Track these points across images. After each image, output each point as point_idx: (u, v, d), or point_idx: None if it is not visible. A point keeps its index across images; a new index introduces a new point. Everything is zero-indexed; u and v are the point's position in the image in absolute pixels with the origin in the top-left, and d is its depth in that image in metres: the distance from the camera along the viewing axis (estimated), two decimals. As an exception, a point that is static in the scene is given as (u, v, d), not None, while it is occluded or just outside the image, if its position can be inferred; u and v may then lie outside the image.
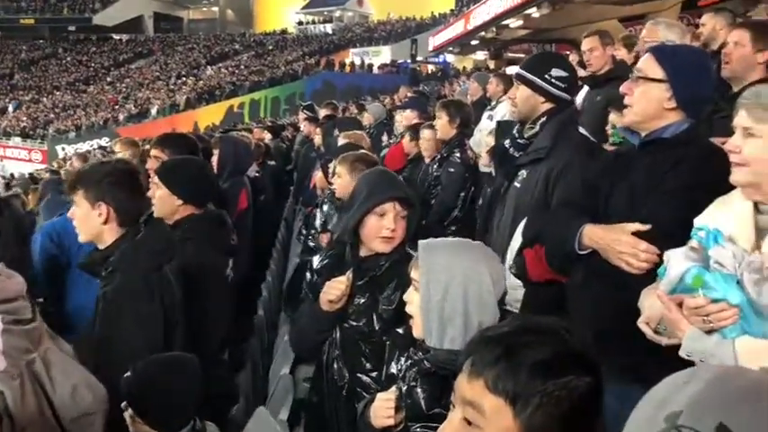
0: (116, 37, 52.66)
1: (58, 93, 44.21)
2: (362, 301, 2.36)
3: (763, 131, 1.79)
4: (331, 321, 2.38)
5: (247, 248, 4.94)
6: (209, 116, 33.17)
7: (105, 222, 2.52)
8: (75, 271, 3.37)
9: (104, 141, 30.20)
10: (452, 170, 4.89)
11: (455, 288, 1.68)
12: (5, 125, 39.20)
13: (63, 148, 32.27)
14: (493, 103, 6.20)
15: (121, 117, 36.71)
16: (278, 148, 10.27)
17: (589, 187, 2.37)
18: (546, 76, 2.90)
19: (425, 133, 5.37)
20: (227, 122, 29.00)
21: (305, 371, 3.31)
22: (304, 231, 4.93)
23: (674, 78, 2.14)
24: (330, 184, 4.19)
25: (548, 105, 2.92)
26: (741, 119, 1.84)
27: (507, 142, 3.04)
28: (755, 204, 1.86)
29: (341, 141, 4.88)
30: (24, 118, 40.12)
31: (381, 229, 2.33)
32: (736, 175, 1.84)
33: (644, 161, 2.22)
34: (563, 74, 2.90)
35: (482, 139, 4.69)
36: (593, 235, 2.18)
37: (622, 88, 2.25)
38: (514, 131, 3.04)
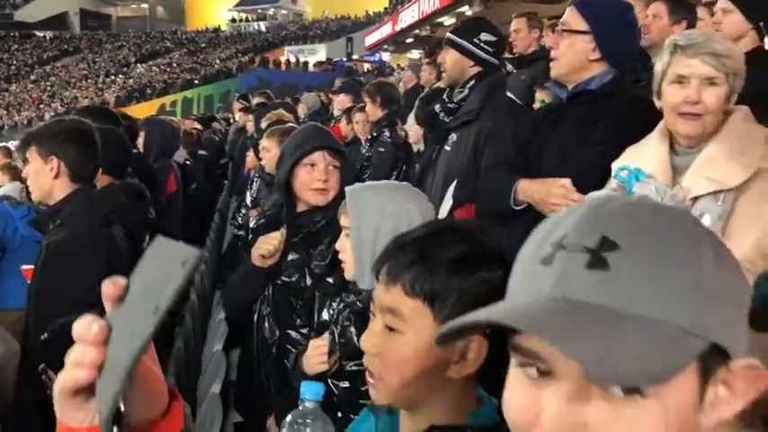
0: (39, 34, 50.73)
1: (-23, 91, 42.33)
2: (296, 257, 2.32)
3: (722, 80, 1.82)
4: (263, 278, 2.34)
5: (178, 234, 4.84)
6: (141, 114, 32.02)
7: (56, 177, 2.45)
8: (7, 256, 3.28)
9: (28, 141, 29.06)
10: (382, 150, 4.91)
11: (386, 227, 1.66)
12: None
13: (-16, 149, 30.91)
14: (426, 90, 6.24)
15: (47, 116, 35.39)
16: (210, 139, 10.07)
17: (520, 144, 2.39)
18: (475, 40, 2.93)
19: (357, 116, 5.47)
20: (159, 121, 28.29)
21: (238, 354, 3.24)
22: (237, 214, 4.84)
23: (597, 29, 2.18)
24: (260, 160, 4.13)
25: (476, 69, 2.95)
26: (697, 68, 1.81)
27: (437, 107, 3.06)
28: (671, 146, 1.93)
29: (264, 124, 4.87)
30: (-58, 118, 38.26)
31: (313, 180, 2.31)
32: (691, 128, 1.83)
33: (572, 113, 2.25)
34: (491, 38, 2.95)
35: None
36: (527, 189, 2.21)
37: (549, 42, 2.28)
38: (444, 96, 3.06)
